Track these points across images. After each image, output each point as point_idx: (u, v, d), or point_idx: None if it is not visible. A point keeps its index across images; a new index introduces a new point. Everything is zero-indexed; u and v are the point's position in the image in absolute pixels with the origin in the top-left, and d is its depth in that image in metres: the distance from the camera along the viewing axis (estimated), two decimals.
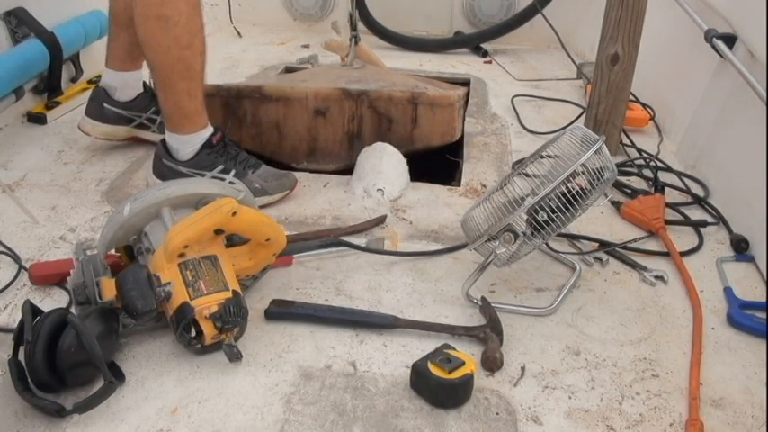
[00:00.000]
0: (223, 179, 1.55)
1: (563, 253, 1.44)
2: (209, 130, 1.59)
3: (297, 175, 1.72)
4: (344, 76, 2.08)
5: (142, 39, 1.49)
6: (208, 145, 1.58)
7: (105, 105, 1.80)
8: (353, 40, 2.29)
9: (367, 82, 2.01)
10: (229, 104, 1.90)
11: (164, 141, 1.61)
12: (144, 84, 1.84)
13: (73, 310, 1.10)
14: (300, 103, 1.88)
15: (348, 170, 1.82)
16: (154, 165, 1.63)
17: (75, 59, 2.24)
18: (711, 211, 1.65)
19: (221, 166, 1.59)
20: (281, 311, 1.22)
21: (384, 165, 1.72)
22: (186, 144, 1.58)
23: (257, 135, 1.91)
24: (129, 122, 1.84)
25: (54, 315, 1.03)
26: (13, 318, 1.19)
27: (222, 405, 1.03)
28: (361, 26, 2.44)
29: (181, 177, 1.54)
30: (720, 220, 1.61)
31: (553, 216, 1.22)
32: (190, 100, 1.53)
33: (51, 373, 1.00)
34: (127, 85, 1.81)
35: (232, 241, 1.24)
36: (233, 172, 1.59)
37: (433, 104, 1.87)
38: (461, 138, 2.03)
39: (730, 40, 1.81)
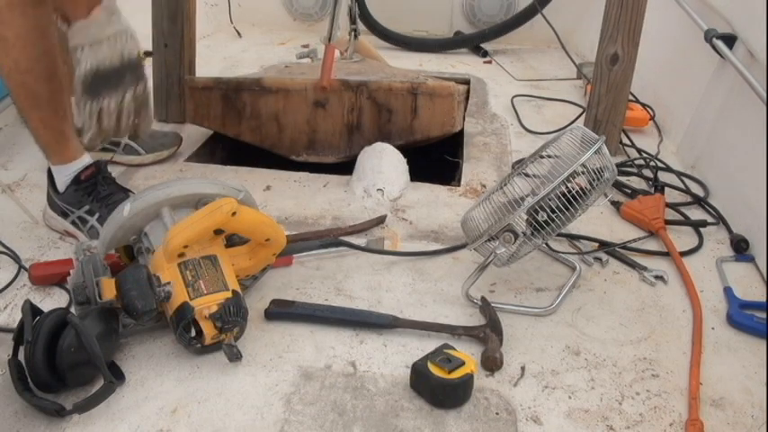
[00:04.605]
0: (87, 221, 1.41)
1: (563, 253, 1.44)
2: (80, 163, 1.43)
3: (297, 175, 1.71)
4: (344, 68, 2.08)
5: None
6: (75, 181, 1.43)
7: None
8: (353, 33, 2.29)
9: (366, 74, 2.01)
10: (229, 97, 1.89)
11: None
12: None
13: (73, 310, 1.10)
14: (300, 95, 1.88)
15: (348, 162, 1.82)
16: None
17: None
18: (711, 211, 1.65)
19: (87, 207, 1.42)
20: (281, 311, 1.22)
21: (384, 164, 1.72)
22: (59, 174, 1.45)
23: (257, 127, 1.91)
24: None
25: (54, 315, 1.03)
26: (13, 318, 1.19)
27: (222, 405, 1.03)
28: (361, 26, 2.44)
29: (57, 209, 1.44)
30: (720, 220, 1.61)
31: (553, 216, 1.22)
32: (45, 129, 1.39)
33: (51, 373, 1.00)
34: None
35: (232, 241, 1.24)
36: (97, 215, 1.41)
37: (433, 94, 1.87)
38: (461, 138, 2.03)
39: (730, 40, 1.81)
